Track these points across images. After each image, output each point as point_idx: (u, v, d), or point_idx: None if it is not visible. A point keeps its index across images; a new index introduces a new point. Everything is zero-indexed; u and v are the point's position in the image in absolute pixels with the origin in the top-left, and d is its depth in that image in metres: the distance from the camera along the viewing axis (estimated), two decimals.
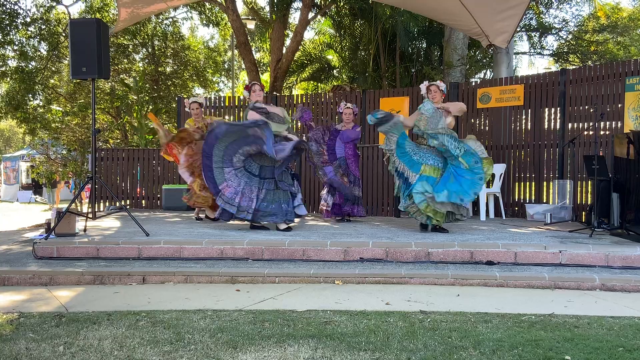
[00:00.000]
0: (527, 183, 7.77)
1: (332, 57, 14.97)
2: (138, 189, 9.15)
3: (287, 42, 13.46)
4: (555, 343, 2.69)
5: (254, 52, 15.10)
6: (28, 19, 14.32)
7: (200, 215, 7.03)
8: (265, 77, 16.94)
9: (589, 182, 6.90)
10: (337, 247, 4.69)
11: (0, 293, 3.96)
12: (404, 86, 10.97)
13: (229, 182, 5.54)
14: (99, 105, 16.22)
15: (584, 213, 6.96)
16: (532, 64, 47.49)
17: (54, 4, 14.61)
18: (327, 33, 15.86)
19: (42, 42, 15.19)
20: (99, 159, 8.88)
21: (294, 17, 15.61)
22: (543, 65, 45.27)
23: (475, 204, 7.49)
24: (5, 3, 13.56)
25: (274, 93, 11.16)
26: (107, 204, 8.92)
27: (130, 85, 15.09)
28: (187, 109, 6.98)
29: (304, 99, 9.56)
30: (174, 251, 4.78)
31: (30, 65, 15.22)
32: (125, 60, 17.14)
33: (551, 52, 14.82)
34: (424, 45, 12.10)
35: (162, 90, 16.97)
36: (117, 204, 8.54)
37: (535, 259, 4.50)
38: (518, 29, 10.55)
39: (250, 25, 15.17)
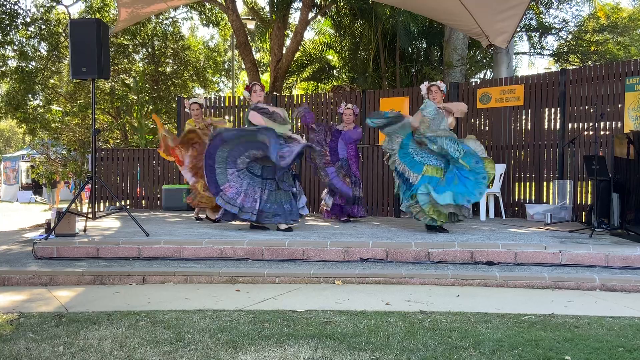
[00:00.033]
0: (527, 183, 7.77)
1: (332, 57, 14.97)
2: (138, 189, 9.15)
3: (287, 42, 13.46)
4: (555, 343, 2.69)
5: (254, 52, 15.10)
6: (28, 19, 14.33)
7: (200, 215, 7.03)
8: (265, 77, 16.94)
9: (589, 182, 6.90)
10: (337, 247, 4.69)
11: (0, 293, 3.96)
12: (404, 86, 10.97)
13: (231, 182, 5.55)
14: (99, 105, 16.23)
15: (584, 213, 6.96)
16: (532, 64, 47.52)
17: (54, 4, 14.61)
18: (327, 33, 15.87)
19: (42, 42, 15.20)
20: (99, 159, 8.88)
21: (294, 17, 15.64)
22: (543, 65, 45.31)
23: (475, 204, 7.46)
24: (5, 3, 13.57)
25: (274, 93, 11.15)
26: (107, 204, 8.92)
27: (130, 86, 15.09)
28: (187, 110, 6.98)
29: (304, 99, 9.56)
30: (174, 251, 4.78)
31: (30, 65, 15.23)
32: (125, 60, 17.14)
33: (551, 52, 14.83)
34: (424, 45, 12.10)
35: (162, 90, 16.98)
36: (117, 204, 8.54)
37: (535, 259, 4.50)
38: (518, 29, 10.55)
39: (250, 25, 15.17)
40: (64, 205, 5.98)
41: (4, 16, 13.43)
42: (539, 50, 14.62)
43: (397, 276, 4.21)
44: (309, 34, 18.65)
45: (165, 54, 17.87)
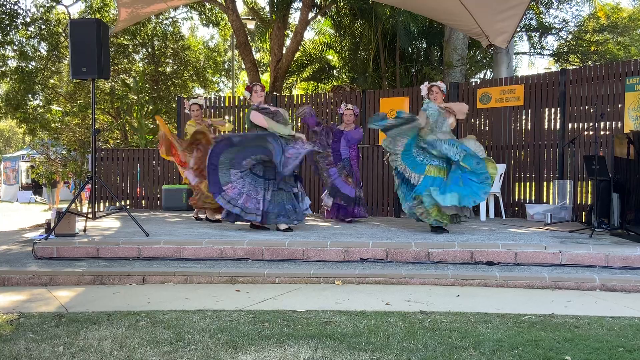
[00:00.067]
0: (527, 183, 7.77)
1: (332, 57, 14.97)
2: (138, 189, 9.15)
3: (287, 42, 13.46)
4: (556, 343, 2.69)
5: (254, 52, 15.10)
6: (28, 19, 14.34)
7: (200, 215, 7.02)
8: (265, 77, 16.94)
9: (589, 182, 6.90)
10: (337, 247, 4.69)
11: (0, 293, 3.96)
12: (404, 86, 10.97)
13: (233, 183, 5.54)
14: (99, 105, 16.23)
15: (584, 213, 6.96)
16: (532, 64, 47.54)
17: (54, 4, 14.62)
18: (327, 33, 15.87)
19: (42, 42, 15.21)
20: (99, 159, 8.88)
21: (294, 17, 15.64)
22: (543, 65, 45.32)
23: None
24: (5, 3, 13.57)
25: (274, 93, 11.16)
26: (107, 204, 8.91)
27: (130, 85, 15.09)
28: (186, 111, 6.96)
29: (304, 99, 9.55)
30: (174, 251, 4.77)
31: (30, 65, 15.24)
32: (125, 60, 17.14)
33: (551, 52, 14.83)
34: (424, 45, 12.11)
35: (162, 90, 16.98)
36: (117, 204, 8.54)
37: (536, 259, 4.50)
38: (518, 29, 10.55)
39: (250, 25, 15.17)
40: (64, 205, 5.98)
41: (4, 16, 13.44)
42: (539, 50, 14.63)
43: (397, 276, 4.21)
44: (309, 34, 18.66)
45: (165, 54, 17.87)
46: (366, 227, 6.16)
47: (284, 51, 13.00)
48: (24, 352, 2.59)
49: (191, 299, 3.73)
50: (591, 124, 6.96)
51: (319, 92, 13.56)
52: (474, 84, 9.51)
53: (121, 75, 17.01)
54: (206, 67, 18.90)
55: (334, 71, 14.44)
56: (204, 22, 16.25)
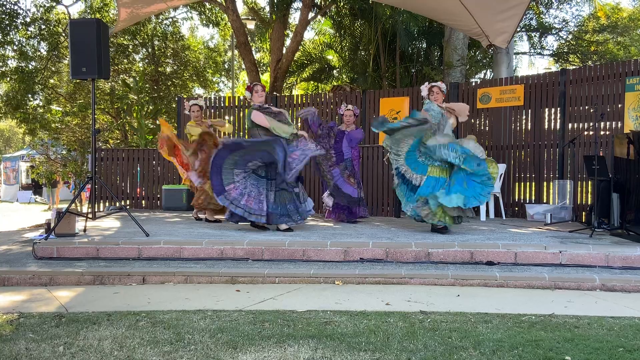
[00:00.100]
0: (527, 183, 7.77)
1: (332, 57, 14.97)
2: (138, 189, 9.15)
3: (287, 42, 13.46)
4: (556, 343, 2.69)
5: (254, 52, 15.11)
6: (28, 19, 14.34)
7: (199, 215, 7.02)
8: (265, 77, 16.95)
9: (589, 182, 6.90)
10: (337, 247, 4.69)
11: (0, 293, 3.95)
12: (404, 86, 10.97)
13: (236, 184, 5.55)
14: (99, 105, 16.23)
15: (584, 213, 6.96)
16: (532, 64, 47.54)
17: (54, 4, 14.63)
18: (327, 33, 15.87)
19: (42, 42, 15.22)
20: (98, 159, 8.88)
21: (294, 17, 15.64)
22: (543, 65, 45.33)
23: None
24: (5, 3, 13.58)
25: (274, 93, 11.16)
26: (107, 204, 8.91)
27: (130, 86, 15.10)
28: (186, 112, 6.95)
29: (304, 99, 9.55)
30: (174, 251, 4.77)
31: (30, 65, 15.24)
32: (125, 60, 17.14)
33: (551, 52, 14.83)
34: (424, 45, 12.11)
35: (162, 90, 16.98)
36: (117, 204, 8.54)
37: (536, 259, 4.50)
38: (518, 29, 10.55)
39: (250, 25, 15.17)
40: (64, 205, 5.98)
41: (4, 16, 13.44)
42: (539, 50, 14.64)
43: (397, 276, 4.21)
44: (309, 34, 18.68)
45: (165, 54, 17.88)
46: (366, 227, 6.16)
47: (284, 51, 13.00)
48: (24, 352, 2.59)
49: (191, 299, 3.73)
50: (591, 124, 6.97)
51: (319, 92, 13.56)
52: (474, 84, 9.51)
53: (121, 75, 17.02)
54: (206, 67, 18.90)
55: (334, 71, 14.44)
56: (204, 22, 16.25)
